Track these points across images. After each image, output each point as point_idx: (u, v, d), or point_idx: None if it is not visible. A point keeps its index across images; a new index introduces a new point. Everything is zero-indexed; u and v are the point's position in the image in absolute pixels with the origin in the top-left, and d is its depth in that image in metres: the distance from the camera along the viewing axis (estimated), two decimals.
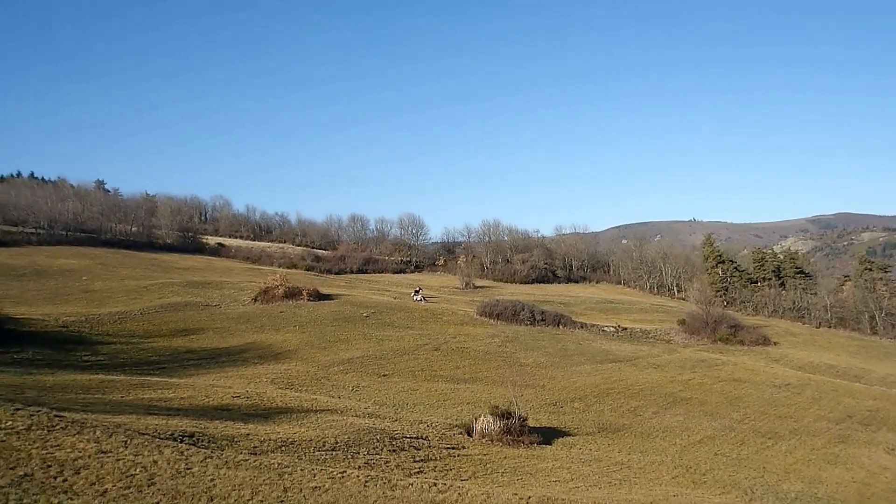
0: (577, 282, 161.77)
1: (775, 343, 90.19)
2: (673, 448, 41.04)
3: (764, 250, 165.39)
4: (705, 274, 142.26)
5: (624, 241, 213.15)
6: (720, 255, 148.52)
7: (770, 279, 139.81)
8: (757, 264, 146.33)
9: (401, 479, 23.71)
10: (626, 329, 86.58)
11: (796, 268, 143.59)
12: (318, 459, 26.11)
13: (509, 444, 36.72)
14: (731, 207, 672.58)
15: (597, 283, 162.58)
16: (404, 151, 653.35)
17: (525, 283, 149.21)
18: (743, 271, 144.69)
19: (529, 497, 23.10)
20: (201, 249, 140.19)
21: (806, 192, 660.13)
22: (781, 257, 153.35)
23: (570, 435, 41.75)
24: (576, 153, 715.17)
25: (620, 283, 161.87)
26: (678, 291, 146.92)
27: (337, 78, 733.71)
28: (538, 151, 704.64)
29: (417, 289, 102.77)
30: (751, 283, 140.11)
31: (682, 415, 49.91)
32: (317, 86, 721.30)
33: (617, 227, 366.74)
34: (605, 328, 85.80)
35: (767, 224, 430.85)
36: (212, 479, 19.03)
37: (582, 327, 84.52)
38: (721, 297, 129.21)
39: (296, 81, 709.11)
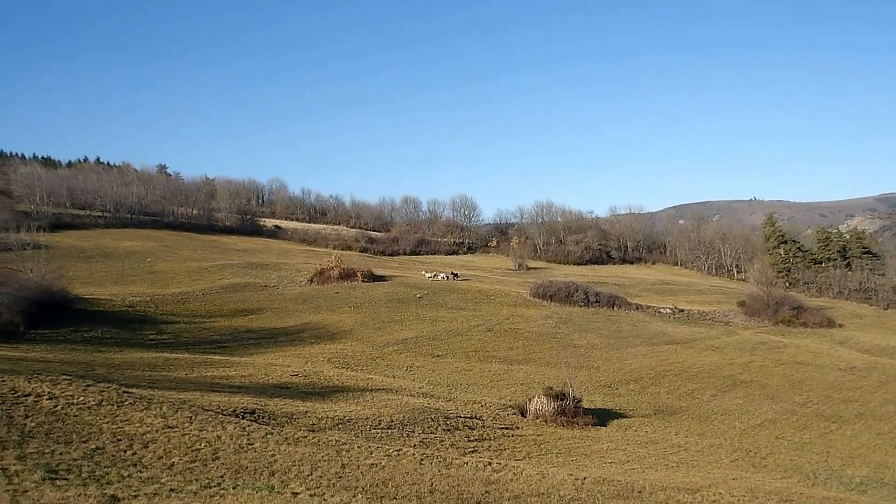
0: (632, 263, 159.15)
1: (840, 325, 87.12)
2: (732, 431, 40.25)
3: (829, 230, 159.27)
4: (766, 254, 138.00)
5: (681, 222, 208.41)
6: (782, 235, 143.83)
7: (835, 260, 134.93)
8: (821, 244, 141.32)
9: (456, 458, 23.93)
10: (683, 311, 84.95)
11: (863, 248, 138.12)
12: (375, 437, 26.57)
13: (563, 425, 36.64)
14: (794, 186, 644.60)
15: (652, 264, 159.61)
16: (456, 133, 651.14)
17: (579, 264, 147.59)
18: (806, 252, 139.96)
19: (585, 478, 23.00)
20: (259, 231, 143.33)
21: (873, 169, 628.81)
22: (847, 237, 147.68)
23: (625, 417, 41.36)
24: (631, 132, 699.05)
25: (677, 265, 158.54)
26: (738, 272, 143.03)
27: (388, 61, 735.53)
28: (592, 131, 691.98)
29: (454, 271, 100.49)
30: (815, 263, 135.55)
31: (741, 398, 48.85)
32: (369, 70, 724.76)
33: (674, 207, 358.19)
34: (662, 310, 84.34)
35: (832, 203, 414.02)
36: (273, 455, 19.58)
37: (637, 309, 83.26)
38: (783, 278, 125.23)
39: (348, 66, 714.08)
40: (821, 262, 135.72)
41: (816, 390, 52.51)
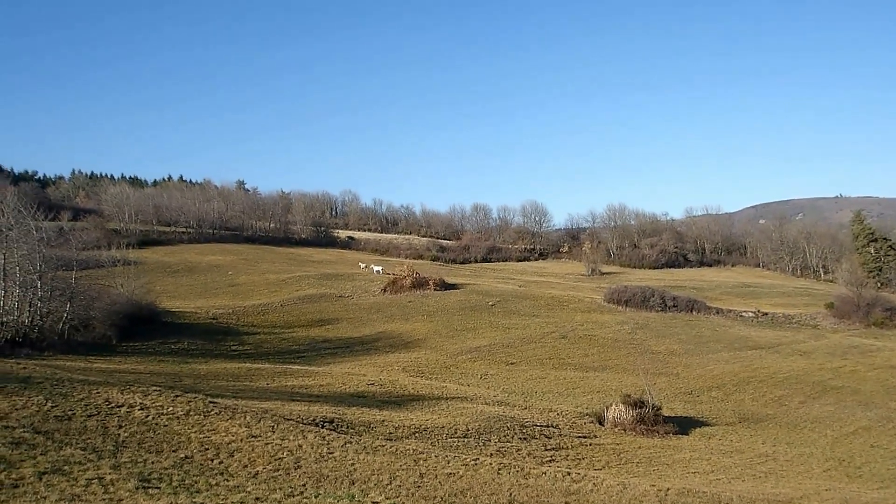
0: (710, 265, 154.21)
1: None
2: (823, 440, 38.40)
3: None
4: (855, 254, 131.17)
5: (762, 222, 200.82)
6: (872, 233, 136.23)
7: None
8: None
9: (533, 468, 23.71)
10: (766, 314, 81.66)
11: None
12: (451, 446, 26.64)
13: (643, 434, 35.81)
14: (883, 180, 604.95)
15: (732, 266, 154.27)
16: (526, 139, 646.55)
17: (654, 268, 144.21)
18: None
19: (668, 489, 22.38)
20: (333, 243, 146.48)
21: None
22: None
23: (707, 425, 40.08)
24: (705, 129, 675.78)
25: (759, 266, 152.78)
26: (824, 273, 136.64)
27: (456, 72, 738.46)
28: (665, 131, 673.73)
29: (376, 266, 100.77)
30: None
31: (832, 404, 46.54)
32: (438, 81, 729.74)
33: (753, 207, 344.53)
34: (744, 313, 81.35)
35: None
36: (352, 464, 19.88)
37: (717, 313, 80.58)
38: (874, 278, 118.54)
39: (417, 78, 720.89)
40: None
41: None
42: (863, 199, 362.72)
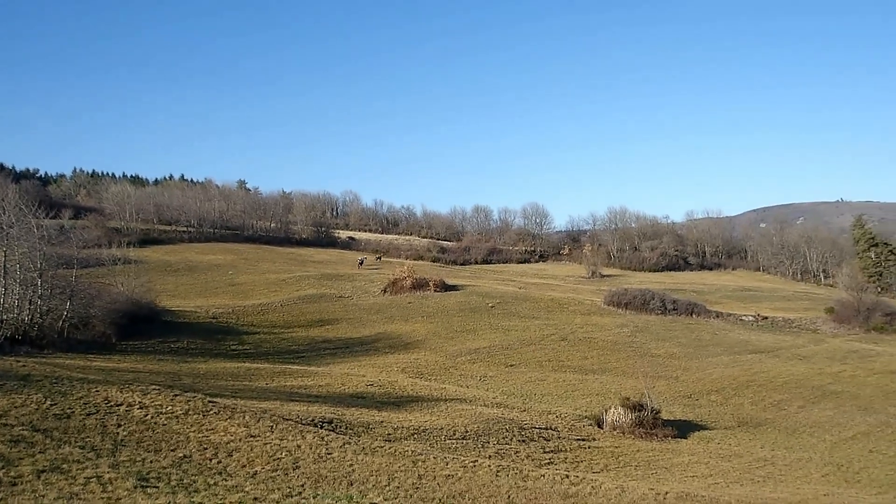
0: (710, 269, 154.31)
1: None
2: (822, 444, 38.38)
3: None
4: (856, 258, 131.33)
5: (762, 225, 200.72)
6: (873, 238, 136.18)
7: None
8: None
9: (532, 470, 23.71)
10: (766, 318, 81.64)
11: None
12: (450, 448, 26.64)
13: (642, 437, 35.83)
14: (884, 185, 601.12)
15: (733, 269, 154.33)
16: (528, 140, 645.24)
17: (654, 271, 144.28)
18: None
19: (666, 492, 22.38)
20: (333, 243, 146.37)
21: None
22: None
23: (706, 429, 40.09)
24: (707, 132, 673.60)
25: (759, 270, 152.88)
26: (825, 278, 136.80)
27: (458, 72, 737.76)
28: (666, 132, 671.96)
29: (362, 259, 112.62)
30: None
31: (831, 409, 46.52)
32: (440, 81, 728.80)
33: (754, 211, 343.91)
34: (744, 317, 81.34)
35: None
36: (350, 465, 19.90)
37: (717, 316, 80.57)
38: (874, 282, 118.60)
39: (418, 79, 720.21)
40: None
41: None
42: (864, 203, 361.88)
